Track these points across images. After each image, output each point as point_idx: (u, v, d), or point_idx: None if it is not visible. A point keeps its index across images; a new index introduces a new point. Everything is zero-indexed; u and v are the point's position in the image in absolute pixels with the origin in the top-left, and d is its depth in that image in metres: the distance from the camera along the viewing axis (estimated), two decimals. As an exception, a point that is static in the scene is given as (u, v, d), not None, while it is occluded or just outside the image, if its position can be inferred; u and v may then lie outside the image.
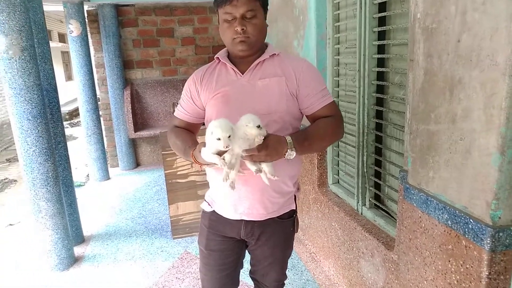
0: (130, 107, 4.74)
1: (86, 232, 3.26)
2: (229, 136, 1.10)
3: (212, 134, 1.11)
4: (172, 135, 1.42)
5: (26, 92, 2.35)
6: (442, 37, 1.20)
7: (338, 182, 2.52)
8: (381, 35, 1.87)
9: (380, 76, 1.92)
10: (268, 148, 1.12)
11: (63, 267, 2.70)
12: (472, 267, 1.15)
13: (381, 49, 1.89)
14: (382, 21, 1.86)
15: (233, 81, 1.34)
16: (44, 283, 2.57)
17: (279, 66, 1.33)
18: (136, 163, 5.23)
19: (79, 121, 6.09)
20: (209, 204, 1.48)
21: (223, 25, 1.29)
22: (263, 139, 1.13)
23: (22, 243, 3.20)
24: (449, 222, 1.22)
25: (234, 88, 1.33)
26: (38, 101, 2.41)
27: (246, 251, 1.56)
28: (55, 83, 2.85)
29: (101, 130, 4.68)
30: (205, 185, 2.93)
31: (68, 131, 8.99)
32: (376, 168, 2.00)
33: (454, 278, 1.24)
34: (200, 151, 1.20)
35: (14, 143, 2.52)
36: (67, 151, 2.99)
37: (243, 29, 1.24)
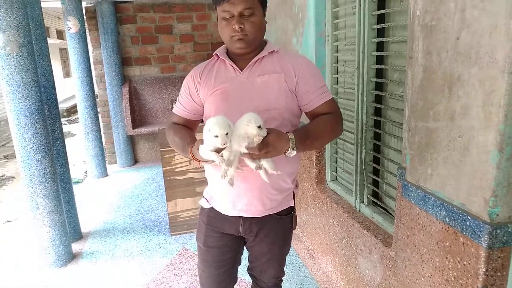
0: (128, 104, 4.73)
1: (84, 228, 3.26)
2: (227, 134, 1.10)
3: (209, 132, 1.11)
4: (171, 132, 1.42)
5: (23, 89, 2.34)
6: (441, 34, 1.19)
7: (336, 179, 2.53)
8: (380, 33, 1.87)
9: (379, 73, 1.92)
10: (268, 147, 1.12)
11: (61, 264, 2.70)
12: (469, 263, 1.15)
13: (380, 46, 1.89)
14: (381, 19, 1.85)
15: (232, 78, 1.34)
16: (42, 279, 2.57)
17: (278, 63, 1.33)
18: (134, 160, 5.22)
19: (77, 118, 6.08)
20: (207, 201, 1.48)
21: (221, 23, 1.28)
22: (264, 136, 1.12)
23: (20, 240, 3.19)
24: (447, 219, 1.22)
25: (233, 85, 1.32)
26: (36, 97, 2.40)
27: (244, 248, 1.56)
28: (53, 79, 2.84)
29: (99, 127, 4.67)
30: (203, 182, 2.93)
31: (66, 128, 8.97)
32: (375, 165, 2.00)
33: (451, 274, 1.24)
34: (198, 148, 1.20)
35: (11, 140, 2.52)
36: (65, 148, 2.98)
37: (241, 27, 1.24)
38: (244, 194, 1.35)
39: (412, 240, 1.45)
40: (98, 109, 4.84)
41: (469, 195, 1.14)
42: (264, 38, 1.39)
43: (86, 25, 4.65)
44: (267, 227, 1.44)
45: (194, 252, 2.81)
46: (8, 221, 3.65)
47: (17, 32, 2.26)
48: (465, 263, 1.17)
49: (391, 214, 1.91)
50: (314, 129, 1.28)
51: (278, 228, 1.46)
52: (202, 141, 1.18)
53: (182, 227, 3.10)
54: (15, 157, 2.68)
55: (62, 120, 9.55)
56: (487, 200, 1.08)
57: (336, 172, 2.52)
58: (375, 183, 2.05)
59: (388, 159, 1.89)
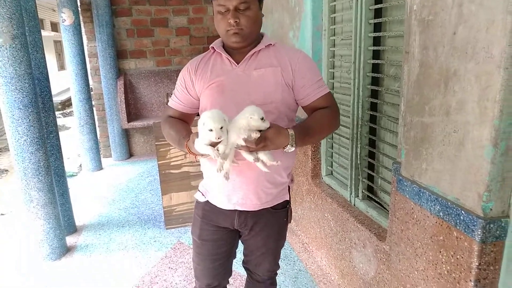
0: (123, 97, 4.70)
1: (78, 222, 3.25)
2: (221, 128, 1.09)
3: (204, 125, 1.10)
4: (166, 125, 1.41)
5: (17, 81, 2.32)
6: (438, 29, 1.19)
7: (332, 174, 2.53)
8: (377, 27, 1.87)
9: (375, 68, 1.92)
10: (266, 141, 1.12)
11: (55, 257, 2.69)
12: (462, 257, 1.16)
13: (376, 41, 1.89)
14: (378, 13, 1.85)
15: (228, 71, 1.33)
16: (36, 272, 2.56)
17: (275, 57, 1.32)
18: (129, 154, 5.20)
19: (72, 111, 6.04)
20: (203, 194, 1.48)
21: (217, 16, 1.27)
22: (263, 130, 1.12)
23: (14, 233, 3.18)
24: (441, 214, 1.23)
25: (229, 78, 1.32)
26: (30, 90, 2.38)
27: (240, 241, 1.56)
28: (47, 72, 2.81)
29: (94, 120, 4.64)
30: (199, 176, 2.92)
31: (60, 121, 8.90)
32: (370, 160, 2.01)
33: (444, 268, 1.25)
34: (193, 142, 1.19)
35: (5, 133, 2.50)
36: (59, 141, 2.96)
37: (236, 21, 1.23)
38: (239, 188, 1.35)
39: (406, 234, 1.46)
40: (93, 102, 4.81)
41: (463, 190, 1.15)
42: (261, 31, 1.38)
43: (81, 18, 4.60)
44: (262, 221, 1.44)
45: (189, 246, 2.82)
46: (1, 214, 3.63)
47: (10, 23, 2.23)
48: (458, 257, 1.18)
49: (386, 209, 1.92)
50: (313, 124, 1.28)
51: (273, 221, 1.47)
52: (197, 135, 1.18)
53: (177, 220, 3.10)
54: (9, 150, 2.66)
55: (57, 113, 9.48)
56: (481, 194, 1.08)
57: (332, 167, 2.52)
58: (370, 178, 2.06)
59: (383, 153, 1.90)
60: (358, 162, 2.05)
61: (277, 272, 1.64)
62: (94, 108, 4.86)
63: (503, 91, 0.99)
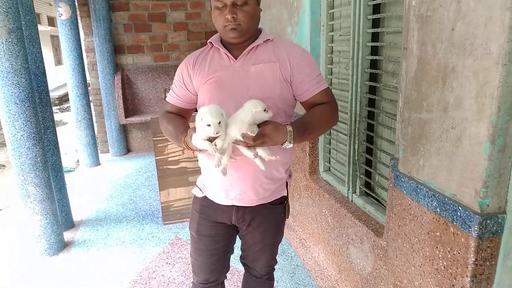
0: (120, 92, 4.68)
1: (76, 217, 3.25)
2: (219, 123, 1.09)
3: (202, 120, 1.10)
4: (164, 121, 1.41)
5: (13, 76, 2.30)
6: (437, 25, 1.19)
7: (329, 170, 2.54)
8: (375, 23, 1.86)
9: (374, 64, 1.92)
10: (264, 137, 1.12)
11: (53, 252, 2.69)
12: (459, 253, 1.17)
13: (375, 37, 1.88)
14: (376, 9, 1.84)
15: (226, 67, 1.32)
16: (33, 268, 2.56)
17: (273, 52, 1.32)
18: (127, 149, 5.19)
19: (69, 106, 6.01)
20: (200, 190, 1.48)
21: (215, 12, 1.27)
22: (261, 126, 1.12)
23: (11, 228, 3.17)
24: (438, 210, 1.24)
25: (227, 74, 1.31)
26: (26, 85, 2.36)
27: (237, 237, 1.56)
28: (44, 66, 2.79)
29: (91, 115, 4.62)
30: (196, 171, 2.93)
31: (58, 116, 8.87)
32: (367, 156, 2.01)
33: (441, 264, 1.26)
34: (191, 137, 1.19)
35: (1, 128, 2.48)
36: (56, 136, 2.95)
37: (233, 17, 1.23)
38: (237, 183, 1.35)
39: (403, 230, 1.47)
40: (90, 98, 4.79)
41: (460, 186, 1.15)
42: (259, 26, 1.37)
43: (78, 12, 4.57)
44: (260, 216, 1.44)
45: (186, 241, 2.82)
46: (-2, 209, 3.62)
47: (6, 17, 2.21)
48: (455, 252, 1.19)
49: (383, 205, 1.92)
50: (311, 121, 1.28)
51: (271, 217, 1.47)
52: (194, 130, 1.17)
53: (175, 216, 3.10)
54: (6, 145, 2.65)
55: (54, 108, 9.44)
56: (478, 191, 1.09)
57: (329, 163, 2.53)
58: (368, 174, 2.06)
59: (381, 150, 1.90)
60: (356, 158, 2.05)
61: (275, 267, 1.64)
62: (92, 104, 4.84)
63: (501, 87, 0.99)
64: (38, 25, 2.79)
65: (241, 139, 1.11)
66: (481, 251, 1.11)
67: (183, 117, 1.45)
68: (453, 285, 1.21)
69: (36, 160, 2.48)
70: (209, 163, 1.35)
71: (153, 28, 4.93)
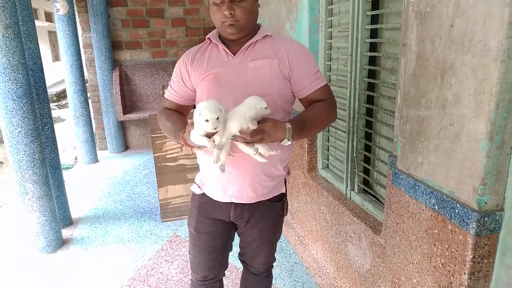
0: (118, 89, 4.66)
1: (74, 214, 3.24)
2: (218, 118, 1.08)
3: (200, 116, 1.09)
4: (162, 117, 1.40)
5: (10, 72, 2.29)
6: (435, 21, 1.18)
7: (328, 167, 2.54)
8: (374, 19, 1.85)
9: (372, 61, 1.91)
10: (263, 134, 1.11)
11: (51, 250, 2.69)
12: (457, 250, 1.17)
13: (373, 33, 1.87)
14: (375, 5, 1.83)
15: (224, 63, 1.32)
16: (31, 265, 2.56)
17: (272, 48, 1.31)
18: (125, 146, 5.18)
19: (67, 103, 5.99)
20: (199, 187, 1.47)
21: (212, 8, 1.26)
22: (260, 122, 1.12)
23: (9, 226, 3.16)
24: (436, 207, 1.23)
25: (226, 70, 1.31)
26: (23, 81, 2.35)
27: (236, 234, 1.56)
28: (41, 62, 2.78)
29: (89, 112, 4.61)
30: (195, 168, 2.92)
31: (56, 113, 8.85)
32: (366, 153, 2.01)
33: (439, 261, 1.26)
34: (189, 133, 1.18)
35: (-1, 124, 2.48)
36: (54, 133, 2.94)
37: (231, 13, 1.22)
38: (235, 180, 1.34)
39: (401, 227, 1.47)
40: (88, 94, 4.76)
41: (458, 183, 1.15)
42: (257, 22, 1.36)
43: (75, 7, 4.54)
44: (258, 213, 1.44)
45: (185, 239, 2.82)
46: (-4, 206, 3.62)
47: (2, 12, 2.20)
48: (453, 250, 1.19)
49: (381, 202, 1.92)
50: (310, 118, 1.27)
51: (269, 214, 1.47)
52: (193, 125, 1.16)
53: (173, 213, 3.10)
54: (3, 142, 2.64)
55: (52, 105, 9.42)
56: (476, 188, 1.08)
57: (328, 160, 2.52)
58: (366, 171, 2.06)
59: (379, 147, 1.90)
60: (354, 155, 2.05)
61: (273, 264, 1.64)
62: (90, 100, 4.82)
63: (500, 84, 0.98)
64: (35, 20, 2.77)
65: (236, 133, 1.11)
66: (479, 249, 1.11)
67: (182, 113, 1.45)
68: (451, 283, 1.21)
69: (34, 157, 2.47)
70: (207, 160, 1.35)
71: (151, 23, 4.91)
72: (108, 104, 4.80)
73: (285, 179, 1.48)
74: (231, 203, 1.41)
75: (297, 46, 1.32)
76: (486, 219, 1.08)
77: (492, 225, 1.09)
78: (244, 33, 1.29)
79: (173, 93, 1.42)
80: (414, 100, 1.32)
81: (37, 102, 2.69)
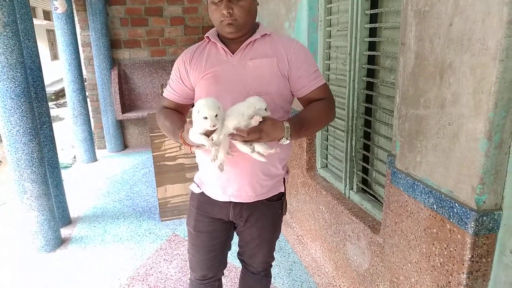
0: (117, 88, 4.65)
1: (73, 213, 3.24)
2: (216, 115, 1.08)
3: (199, 113, 1.09)
4: (161, 116, 1.40)
5: (8, 70, 2.28)
6: (434, 20, 1.18)
7: (327, 166, 2.53)
8: (373, 18, 1.85)
9: (371, 60, 1.91)
10: (261, 133, 1.11)
11: (50, 249, 2.68)
12: (455, 250, 1.17)
13: (372, 32, 1.87)
14: (374, 4, 1.83)
15: (223, 61, 1.31)
16: (30, 264, 2.55)
17: (270, 47, 1.31)
18: (124, 145, 5.17)
19: (66, 102, 5.99)
20: (198, 186, 1.47)
21: (211, 7, 1.26)
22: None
23: (7, 225, 3.16)
24: (435, 206, 1.23)
25: (224, 69, 1.30)
26: (22, 79, 2.34)
27: (235, 233, 1.56)
28: (39, 61, 2.77)
29: (88, 111, 4.60)
30: (194, 168, 2.92)
31: (54, 111, 8.83)
32: (365, 152, 2.01)
33: (437, 260, 1.26)
34: (188, 132, 1.18)
35: (-3, 123, 2.47)
36: (52, 132, 2.93)
37: (229, 12, 1.21)
38: (234, 180, 1.34)
39: (400, 226, 1.47)
40: (87, 93, 4.75)
41: (457, 183, 1.15)
42: (256, 21, 1.36)
43: (74, 6, 4.53)
44: (257, 213, 1.44)
45: (184, 238, 2.82)
46: (-5, 205, 3.61)
47: (0, 10, 2.19)
48: (451, 249, 1.19)
49: (380, 201, 1.92)
50: (308, 117, 1.27)
51: (268, 213, 1.47)
52: (191, 123, 1.16)
53: (172, 212, 3.10)
54: (1, 141, 2.63)
55: (50, 104, 9.40)
56: (474, 187, 1.08)
57: (326, 159, 2.52)
58: (365, 170, 2.06)
59: (378, 146, 1.90)
60: (353, 154, 2.05)
61: (272, 264, 1.64)
62: (88, 99, 4.81)
63: (498, 83, 0.98)
64: (33, 18, 2.77)
65: (234, 132, 1.11)
66: (477, 248, 1.11)
67: (180, 112, 1.45)
68: (449, 282, 1.21)
69: (32, 155, 2.46)
70: (206, 159, 1.35)
71: (150, 22, 4.90)
72: (107, 103, 4.79)
73: (284, 178, 1.47)
74: (230, 202, 1.40)
75: (296, 45, 1.32)
76: (484, 218, 1.08)
77: (491, 225, 1.09)
78: (242, 32, 1.29)
79: (172, 92, 1.42)
80: (413, 99, 1.32)
81: (35, 100, 2.68)
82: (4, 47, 2.24)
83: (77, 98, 4.40)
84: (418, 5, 1.26)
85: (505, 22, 0.94)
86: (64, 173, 3.51)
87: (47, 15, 16.93)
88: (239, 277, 1.73)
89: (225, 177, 1.33)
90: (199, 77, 1.33)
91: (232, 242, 1.57)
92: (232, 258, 1.99)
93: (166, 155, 2.98)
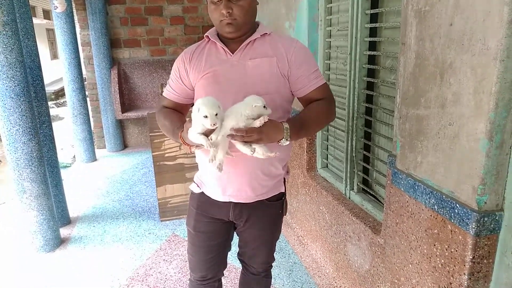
0: (117, 87, 4.65)
1: (72, 213, 3.23)
2: (216, 114, 1.07)
3: (199, 112, 1.08)
4: (161, 116, 1.40)
5: (8, 69, 2.28)
6: (435, 20, 1.18)
7: (327, 167, 2.53)
8: (374, 18, 1.85)
9: (372, 59, 1.91)
10: (261, 134, 1.10)
11: (49, 249, 2.68)
12: (456, 251, 1.16)
13: (373, 32, 1.87)
14: (374, 4, 1.82)
15: (223, 61, 1.31)
16: (29, 264, 2.55)
17: (270, 46, 1.30)
18: (124, 145, 5.17)
19: (65, 101, 5.98)
20: (198, 186, 1.47)
21: (210, 6, 1.25)
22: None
23: (7, 224, 3.15)
24: (436, 207, 1.23)
25: (224, 68, 1.30)
26: (21, 78, 2.34)
27: (235, 233, 1.55)
28: (39, 60, 2.76)
29: (88, 110, 4.59)
30: (193, 167, 2.91)
31: (54, 111, 8.83)
32: (365, 152, 2.00)
33: (438, 261, 1.25)
34: (187, 131, 1.17)
35: (-4, 123, 2.47)
36: (52, 131, 2.93)
37: (229, 11, 1.21)
38: (234, 180, 1.33)
39: (400, 227, 1.46)
40: (87, 92, 4.75)
41: (458, 183, 1.14)
42: (256, 20, 1.35)
43: (73, 5, 4.52)
44: (257, 213, 1.43)
45: (183, 238, 2.81)
46: (-6, 205, 3.60)
47: (0, 10, 2.18)
48: (452, 250, 1.18)
49: (381, 202, 1.92)
50: (308, 117, 1.27)
51: (268, 214, 1.46)
52: (191, 121, 1.15)
53: (172, 212, 3.09)
54: (1, 140, 2.63)
55: (50, 103, 9.40)
56: (475, 188, 1.08)
57: (327, 159, 2.52)
58: (365, 171, 2.05)
59: (378, 146, 1.89)
60: (354, 154, 2.04)
61: (272, 264, 1.64)
62: (88, 98, 4.80)
63: (499, 83, 0.98)
64: (33, 18, 2.76)
65: (233, 133, 1.10)
66: (478, 249, 1.11)
67: (180, 112, 1.44)
68: (450, 283, 1.21)
69: (31, 155, 2.46)
70: (206, 159, 1.34)
71: (150, 21, 4.89)
72: (107, 103, 4.79)
73: (284, 179, 1.47)
74: (230, 202, 1.40)
75: (296, 45, 1.31)
76: (485, 219, 1.08)
77: (492, 225, 1.09)
78: (242, 31, 1.29)
79: (172, 91, 1.41)
80: (413, 99, 1.32)
81: (35, 100, 2.68)
82: (4, 46, 2.24)
83: (77, 97, 4.39)
84: (419, 5, 1.25)
85: (506, 22, 0.93)
86: (63, 173, 3.50)
87: (46, 14, 16.93)
88: (239, 277, 1.72)
89: (225, 177, 1.32)
90: (199, 76, 1.32)
91: (232, 243, 1.57)
92: (232, 258, 1.99)
93: (166, 155, 2.97)
